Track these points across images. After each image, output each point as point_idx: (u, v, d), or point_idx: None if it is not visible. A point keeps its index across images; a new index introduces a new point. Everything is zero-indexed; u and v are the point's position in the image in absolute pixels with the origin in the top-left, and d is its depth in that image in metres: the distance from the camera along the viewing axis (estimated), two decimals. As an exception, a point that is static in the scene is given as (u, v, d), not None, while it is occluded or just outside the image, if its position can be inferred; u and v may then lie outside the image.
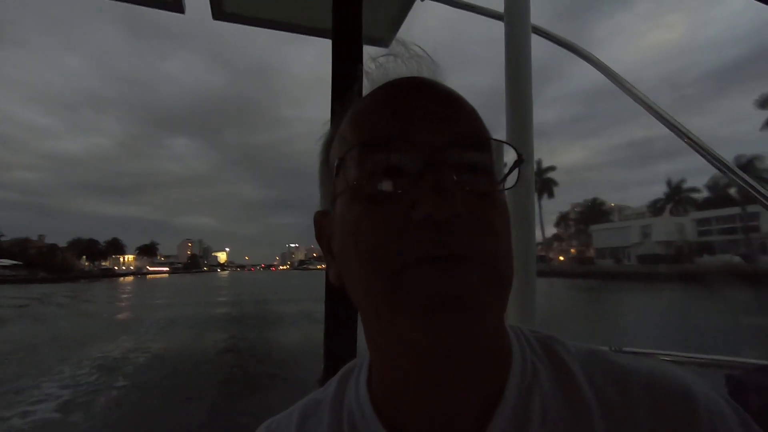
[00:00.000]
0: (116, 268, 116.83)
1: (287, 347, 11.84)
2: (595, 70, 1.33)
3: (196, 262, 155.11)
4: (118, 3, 1.68)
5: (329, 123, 0.47)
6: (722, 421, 0.34)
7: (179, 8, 1.73)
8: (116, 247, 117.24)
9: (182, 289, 45.67)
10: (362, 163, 0.36)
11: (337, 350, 0.92)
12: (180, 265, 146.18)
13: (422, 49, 0.43)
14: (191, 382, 9.07)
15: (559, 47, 1.43)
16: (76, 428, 6.70)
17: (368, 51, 0.44)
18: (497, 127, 0.44)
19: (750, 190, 1.12)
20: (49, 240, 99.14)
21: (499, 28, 1.39)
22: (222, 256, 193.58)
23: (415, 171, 0.34)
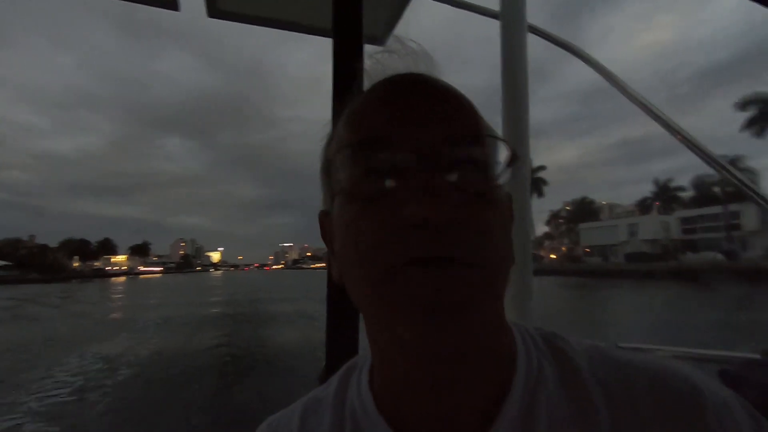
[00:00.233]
0: (108, 268, 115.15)
1: (284, 347, 11.74)
2: (590, 69, 1.33)
3: (189, 262, 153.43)
4: (113, 1, 1.65)
5: (331, 122, 0.45)
6: (730, 416, 0.34)
7: (174, 5, 1.69)
8: (108, 247, 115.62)
9: (175, 289, 45.17)
10: (355, 164, 0.36)
11: (338, 348, 0.91)
12: (173, 265, 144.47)
13: (419, 44, 0.42)
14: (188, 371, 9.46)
15: (555, 46, 1.43)
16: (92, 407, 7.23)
17: (365, 49, 0.43)
18: (493, 126, 0.44)
19: (741, 186, 1.13)
20: (40, 240, 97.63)
21: (495, 26, 1.38)
22: (215, 256, 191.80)
23: (408, 171, 0.33)
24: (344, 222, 0.36)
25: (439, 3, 1.55)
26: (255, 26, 1.80)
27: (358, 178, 0.35)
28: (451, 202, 0.32)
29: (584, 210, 63.33)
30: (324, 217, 0.44)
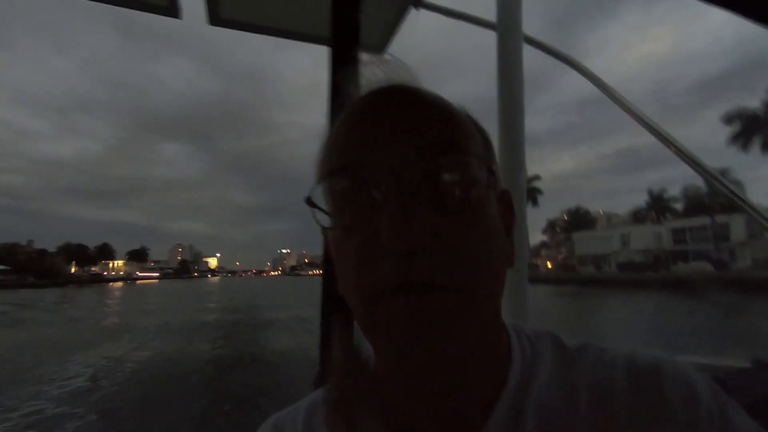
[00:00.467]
0: (105, 273, 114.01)
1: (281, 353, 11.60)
2: (585, 79, 1.34)
3: (187, 268, 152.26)
4: (113, 7, 1.64)
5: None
6: (687, 387, 0.35)
7: (176, 13, 1.69)
8: (106, 253, 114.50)
9: (172, 294, 44.74)
10: (332, 194, 0.36)
11: (332, 352, 0.89)
12: (170, 271, 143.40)
13: (391, 55, 0.42)
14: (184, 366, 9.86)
15: (551, 57, 1.43)
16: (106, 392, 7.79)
17: (363, 58, 0.42)
18: (490, 133, 0.43)
19: (733, 197, 1.13)
20: (38, 245, 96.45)
21: (491, 37, 1.39)
22: (213, 262, 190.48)
23: (383, 195, 0.33)
24: (333, 245, 0.38)
25: (436, 14, 1.56)
26: (253, 34, 1.81)
27: (337, 207, 0.36)
28: (426, 225, 0.31)
29: (579, 219, 63.56)
30: (326, 231, 0.44)
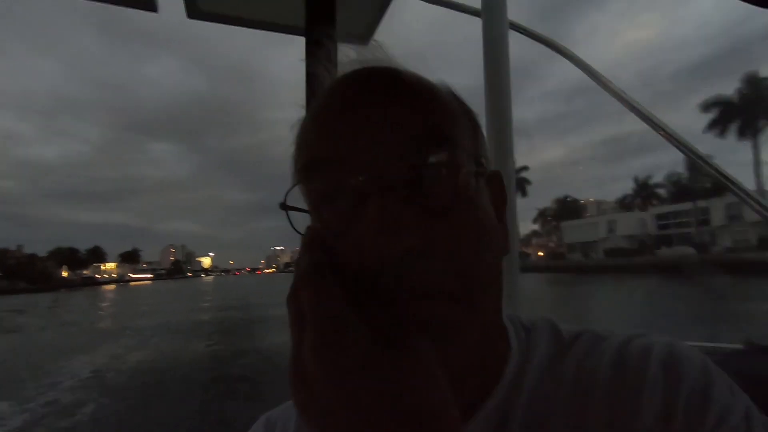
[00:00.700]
0: (98, 276, 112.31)
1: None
2: (573, 67, 1.31)
3: (180, 268, 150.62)
4: (91, 3, 1.57)
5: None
6: (674, 367, 0.33)
7: (152, 6, 1.62)
8: (97, 255, 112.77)
9: (165, 295, 44.32)
10: (308, 191, 0.33)
11: None
12: (163, 272, 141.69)
13: (374, 40, 0.39)
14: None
15: (538, 46, 1.40)
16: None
17: (346, 49, 0.40)
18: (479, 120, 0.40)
19: (723, 179, 1.12)
20: (28, 250, 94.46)
21: (476, 24, 1.35)
22: (206, 261, 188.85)
23: (357, 200, 0.29)
24: None
25: (421, 2, 1.52)
26: (240, 28, 1.75)
27: (314, 209, 0.33)
28: (413, 231, 0.28)
29: (567, 208, 64.23)
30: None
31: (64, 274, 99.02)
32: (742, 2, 0.97)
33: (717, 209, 40.58)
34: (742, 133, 37.02)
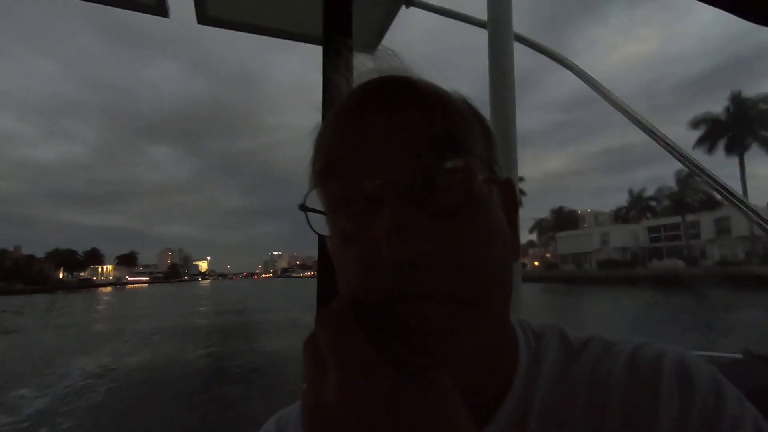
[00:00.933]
0: (95, 278, 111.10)
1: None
2: (574, 78, 1.32)
3: (177, 272, 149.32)
4: (92, 5, 1.58)
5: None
6: (687, 376, 0.33)
7: (164, 12, 1.63)
8: (95, 258, 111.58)
9: (162, 298, 43.87)
10: (325, 197, 0.33)
11: None
12: (160, 275, 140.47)
13: (383, 47, 0.39)
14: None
15: (541, 57, 1.42)
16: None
17: (360, 57, 0.39)
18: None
19: (722, 191, 1.12)
20: (25, 251, 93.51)
21: (482, 36, 1.36)
22: (203, 265, 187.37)
23: (372, 203, 0.30)
24: (331, 250, 0.35)
25: (428, 12, 1.53)
26: (244, 34, 1.75)
27: (331, 211, 0.33)
28: (426, 234, 0.28)
29: (564, 219, 64.42)
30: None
31: (61, 275, 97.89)
32: (739, 18, 0.99)
33: (706, 223, 40.95)
34: (730, 150, 37.52)
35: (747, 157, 36.93)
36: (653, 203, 49.72)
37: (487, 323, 0.31)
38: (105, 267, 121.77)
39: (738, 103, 37.30)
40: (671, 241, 45.70)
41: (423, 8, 1.51)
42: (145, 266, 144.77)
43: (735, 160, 37.23)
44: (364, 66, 0.38)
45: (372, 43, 1.55)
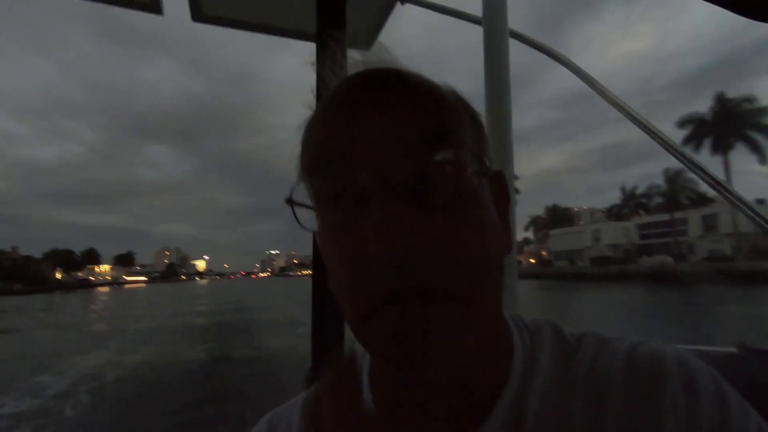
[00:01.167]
0: (92, 278, 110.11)
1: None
2: (570, 75, 1.30)
3: (174, 271, 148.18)
4: (93, 4, 1.54)
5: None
6: (690, 377, 0.33)
7: (157, 9, 1.59)
8: (92, 258, 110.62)
9: (160, 298, 43.59)
10: (314, 192, 0.32)
11: (323, 349, 0.86)
12: (157, 274, 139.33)
13: (378, 42, 0.39)
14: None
15: (537, 54, 1.40)
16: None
17: (352, 53, 0.39)
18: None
19: (719, 188, 1.11)
20: (23, 251, 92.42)
21: (477, 32, 1.35)
22: (201, 265, 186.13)
23: (362, 197, 0.29)
24: (321, 246, 0.34)
25: (423, 9, 1.51)
26: (242, 32, 1.72)
27: (320, 206, 0.32)
28: (416, 229, 0.28)
29: (558, 216, 64.65)
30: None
31: (59, 276, 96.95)
32: (736, 14, 0.97)
33: (694, 220, 41.38)
34: (715, 149, 37.89)
35: (731, 155, 37.39)
36: (644, 200, 50.08)
37: (478, 317, 0.30)
38: (102, 267, 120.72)
39: (722, 103, 37.70)
40: (661, 238, 46.13)
41: (418, 4, 1.48)
42: (143, 266, 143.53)
43: (720, 159, 37.65)
44: (353, 60, 0.37)
45: (368, 40, 1.52)
